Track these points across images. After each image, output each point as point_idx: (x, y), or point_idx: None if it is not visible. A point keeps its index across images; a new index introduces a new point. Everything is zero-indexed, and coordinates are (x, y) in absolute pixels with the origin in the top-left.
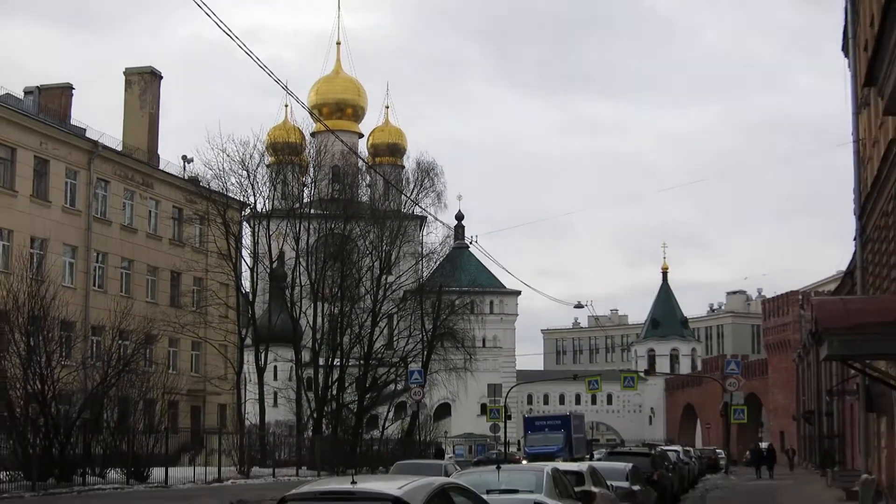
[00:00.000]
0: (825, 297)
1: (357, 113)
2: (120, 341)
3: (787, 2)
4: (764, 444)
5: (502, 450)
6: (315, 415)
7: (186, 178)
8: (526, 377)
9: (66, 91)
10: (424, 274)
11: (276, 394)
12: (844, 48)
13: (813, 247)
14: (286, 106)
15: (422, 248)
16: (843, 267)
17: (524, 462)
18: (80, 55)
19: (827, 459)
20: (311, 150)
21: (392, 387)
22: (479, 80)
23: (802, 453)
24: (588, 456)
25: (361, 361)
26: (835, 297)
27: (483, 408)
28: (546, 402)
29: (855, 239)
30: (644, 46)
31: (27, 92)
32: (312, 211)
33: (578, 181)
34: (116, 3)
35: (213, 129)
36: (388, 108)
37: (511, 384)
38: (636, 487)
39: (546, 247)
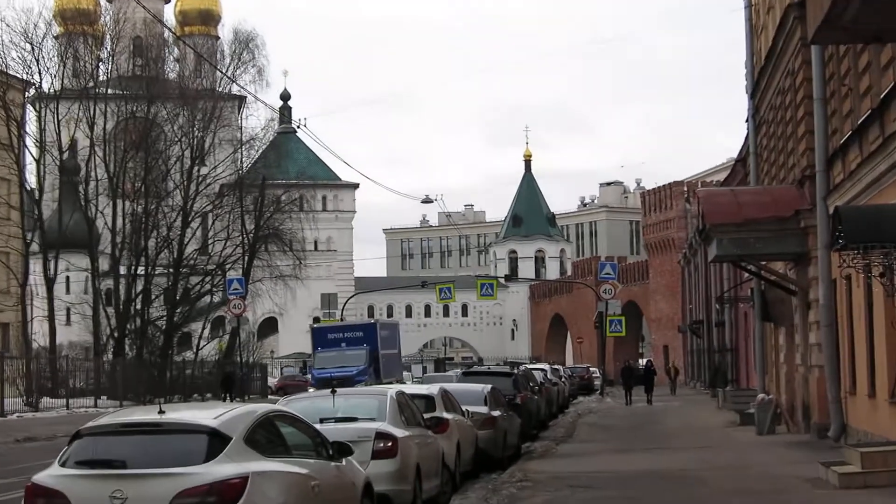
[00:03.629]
0: (713, 188)
1: None
2: None
3: None
4: (642, 362)
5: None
6: (116, 334)
7: None
8: (366, 285)
9: None
10: (244, 164)
11: (68, 310)
12: None
13: (700, 129)
14: None
15: (241, 133)
16: (734, 153)
17: (311, 390)
18: None
19: (717, 378)
20: (108, 19)
21: (207, 299)
22: None
23: (689, 371)
24: (396, 380)
25: (170, 270)
26: (724, 189)
27: (316, 322)
28: (390, 315)
29: (747, 121)
30: None
31: None
32: (110, 91)
33: (429, 49)
34: None
35: None
36: None
37: (348, 294)
38: (496, 412)
39: (389, 130)
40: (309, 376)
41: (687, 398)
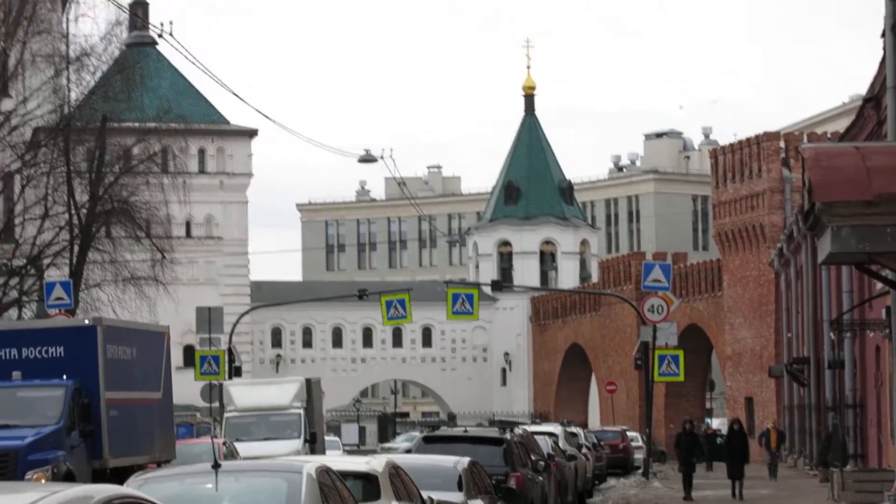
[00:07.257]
0: (827, 144)
1: None
2: None
3: None
4: (715, 423)
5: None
6: None
7: None
8: (269, 295)
9: None
10: (73, 96)
11: None
12: None
13: (807, 48)
14: None
15: (66, 45)
16: (862, 88)
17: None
18: None
19: (831, 451)
20: None
21: (13, 313)
22: None
23: (787, 439)
24: (158, 460)
25: None
26: (845, 145)
27: (189, 352)
28: (308, 344)
29: (884, 35)
30: None
31: None
32: None
33: None
34: None
35: None
36: None
37: (242, 307)
38: (477, 502)
39: (308, 45)
40: None
41: (783, 482)
